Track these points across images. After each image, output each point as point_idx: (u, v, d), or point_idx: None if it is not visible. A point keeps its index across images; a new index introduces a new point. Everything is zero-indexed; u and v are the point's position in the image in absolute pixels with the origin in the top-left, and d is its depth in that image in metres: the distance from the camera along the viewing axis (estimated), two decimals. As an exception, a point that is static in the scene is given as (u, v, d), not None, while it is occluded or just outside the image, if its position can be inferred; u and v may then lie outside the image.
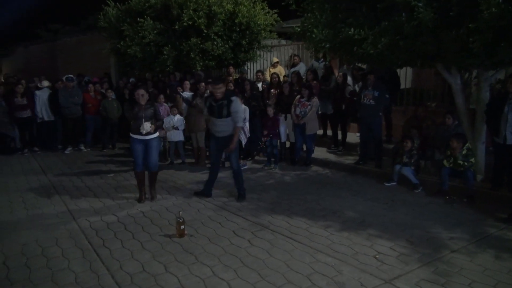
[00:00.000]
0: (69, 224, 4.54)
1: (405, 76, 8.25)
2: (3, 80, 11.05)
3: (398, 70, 7.64)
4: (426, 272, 3.38)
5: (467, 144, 5.31)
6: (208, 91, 8.02)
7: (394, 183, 5.96)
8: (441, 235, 4.16)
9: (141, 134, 5.05)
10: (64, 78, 9.15)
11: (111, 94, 9.08)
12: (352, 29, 5.23)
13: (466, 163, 5.23)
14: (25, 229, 4.39)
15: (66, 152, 8.89)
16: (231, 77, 9.02)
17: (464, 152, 5.24)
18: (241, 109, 5.19)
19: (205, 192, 5.47)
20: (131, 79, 10.91)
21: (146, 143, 5.17)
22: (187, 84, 8.55)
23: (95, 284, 3.22)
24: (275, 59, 10.17)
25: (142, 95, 5.08)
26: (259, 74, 9.13)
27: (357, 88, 7.81)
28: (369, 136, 6.74)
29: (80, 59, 17.60)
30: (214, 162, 5.48)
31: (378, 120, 6.61)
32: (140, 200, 5.27)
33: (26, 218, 4.76)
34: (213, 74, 10.92)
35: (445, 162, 5.39)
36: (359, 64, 7.85)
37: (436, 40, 4.73)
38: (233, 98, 5.09)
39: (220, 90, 4.98)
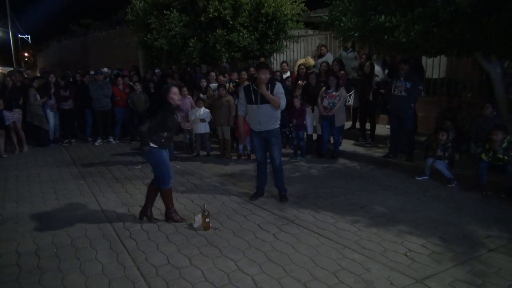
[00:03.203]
0: (97, 215, 4.63)
1: (439, 65, 7.88)
2: (39, 74, 11.49)
3: (430, 59, 7.29)
4: (461, 272, 3.20)
5: (508, 137, 4.99)
6: (233, 81, 8.02)
7: (426, 177, 5.71)
8: (477, 232, 3.94)
9: (168, 148, 4.31)
10: (91, 73, 9.40)
11: (139, 87, 9.20)
12: (383, 16, 5.01)
13: (506, 157, 4.92)
14: (56, 219, 4.52)
15: (96, 144, 9.13)
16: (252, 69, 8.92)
17: (504, 145, 4.94)
18: (283, 92, 4.77)
19: (258, 194, 5.09)
20: (157, 70, 11.03)
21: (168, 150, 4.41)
22: (213, 75, 8.57)
23: (121, 275, 3.25)
24: (312, 62, 9.78)
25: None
26: (284, 65, 8.96)
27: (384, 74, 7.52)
28: (400, 128, 6.47)
29: (110, 52, 18.00)
30: (260, 160, 4.99)
31: (410, 112, 6.31)
32: (181, 220, 4.34)
33: (57, 209, 4.89)
34: (238, 66, 10.87)
35: (483, 155, 5.10)
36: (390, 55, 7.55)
37: (475, 26, 4.45)
38: (276, 82, 4.86)
39: (266, 76, 4.62)
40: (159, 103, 4.33)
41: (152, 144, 4.13)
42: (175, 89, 4.25)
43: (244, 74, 7.93)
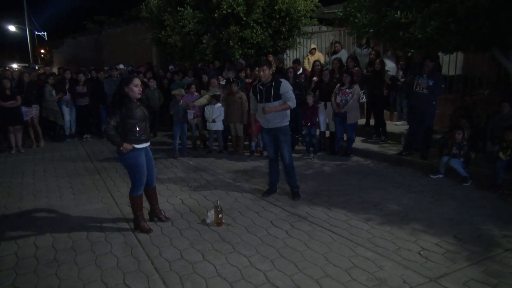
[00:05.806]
0: (112, 210, 4.70)
1: (455, 62, 7.75)
2: (55, 72, 11.71)
3: (446, 56, 7.16)
4: (475, 271, 3.16)
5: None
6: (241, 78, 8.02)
7: (441, 176, 5.64)
8: (492, 232, 3.87)
9: (146, 141, 3.97)
10: (106, 68, 9.52)
11: (153, 84, 9.28)
12: (398, 12, 4.94)
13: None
14: (72, 213, 4.61)
15: (110, 139, 9.24)
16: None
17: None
18: (291, 89, 4.70)
19: (270, 190, 5.11)
20: (171, 67, 11.10)
21: (147, 151, 4.09)
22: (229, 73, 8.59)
23: (136, 269, 3.30)
24: (313, 45, 9.97)
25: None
26: (296, 64, 8.89)
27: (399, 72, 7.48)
28: (419, 126, 6.32)
29: (124, 49, 18.17)
30: (272, 157, 5.00)
31: (431, 109, 6.14)
32: (149, 231, 4.02)
33: (73, 203, 4.99)
34: (252, 62, 10.85)
35: (501, 154, 5.00)
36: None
37: (493, 21, 4.36)
38: (282, 79, 4.76)
39: (264, 72, 4.62)
40: (119, 94, 3.82)
41: (135, 145, 3.83)
42: (137, 81, 3.82)
43: (258, 71, 7.91)
